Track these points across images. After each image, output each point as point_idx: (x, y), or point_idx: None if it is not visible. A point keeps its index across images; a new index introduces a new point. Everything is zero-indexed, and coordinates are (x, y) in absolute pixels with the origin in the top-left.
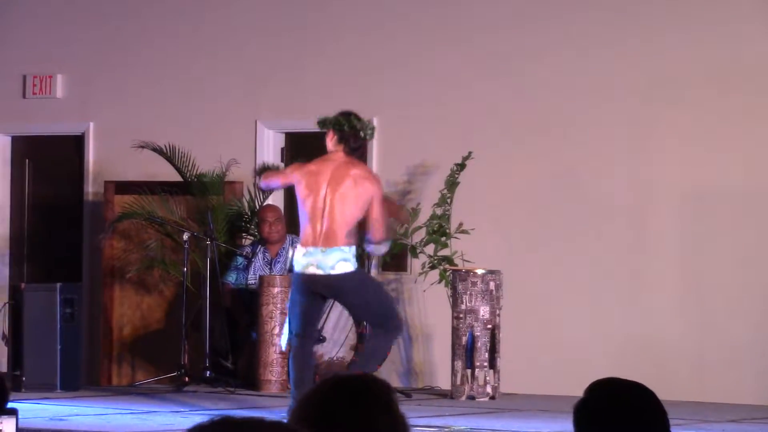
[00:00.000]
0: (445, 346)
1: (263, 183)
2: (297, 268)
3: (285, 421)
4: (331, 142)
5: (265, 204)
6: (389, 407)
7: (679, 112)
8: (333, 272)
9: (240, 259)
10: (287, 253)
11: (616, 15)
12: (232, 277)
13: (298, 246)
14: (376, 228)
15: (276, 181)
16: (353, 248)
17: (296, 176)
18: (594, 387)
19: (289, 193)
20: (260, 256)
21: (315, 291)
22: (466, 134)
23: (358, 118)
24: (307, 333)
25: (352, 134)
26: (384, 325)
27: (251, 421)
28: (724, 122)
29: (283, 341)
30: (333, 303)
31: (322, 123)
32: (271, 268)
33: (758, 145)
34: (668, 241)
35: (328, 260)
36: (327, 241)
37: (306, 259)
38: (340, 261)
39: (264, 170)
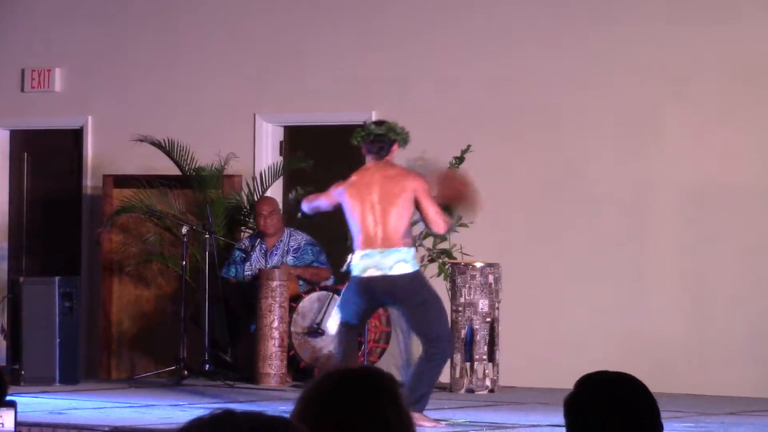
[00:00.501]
0: None
1: (306, 206)
2: (355, 271)
3: (285, 415)
4: (365, 153)
5: (261, 197)
6: (395, 400)
7: (680, 106)
8: (391, 273)
9: (237, 253)
10: (284, 246)
11: (617, 8)
12: (231, 271)
13: (356, 250)
14: (432, 221)
15: (320, 200)
16: (412, 250)
17: (339, 189)
18: (584, 380)
19: (291, 185)
20: (257, 249)
21: (373, 294)
22: (465, 127)
23: (379, 123)
24: (355, 325)
25: (373, 140)
26: (432, 342)
27: (251, 415)
28: (726, 117)
29: (332, 324)
30: (331, 297)
31: (352, 138)
32: (267, 261)
33: (759, 140)
34: (668, 236)
35: (386, 261)
36: (385, 242)
37: (364, 261)
38: (399, 262)
39: (300, 198)
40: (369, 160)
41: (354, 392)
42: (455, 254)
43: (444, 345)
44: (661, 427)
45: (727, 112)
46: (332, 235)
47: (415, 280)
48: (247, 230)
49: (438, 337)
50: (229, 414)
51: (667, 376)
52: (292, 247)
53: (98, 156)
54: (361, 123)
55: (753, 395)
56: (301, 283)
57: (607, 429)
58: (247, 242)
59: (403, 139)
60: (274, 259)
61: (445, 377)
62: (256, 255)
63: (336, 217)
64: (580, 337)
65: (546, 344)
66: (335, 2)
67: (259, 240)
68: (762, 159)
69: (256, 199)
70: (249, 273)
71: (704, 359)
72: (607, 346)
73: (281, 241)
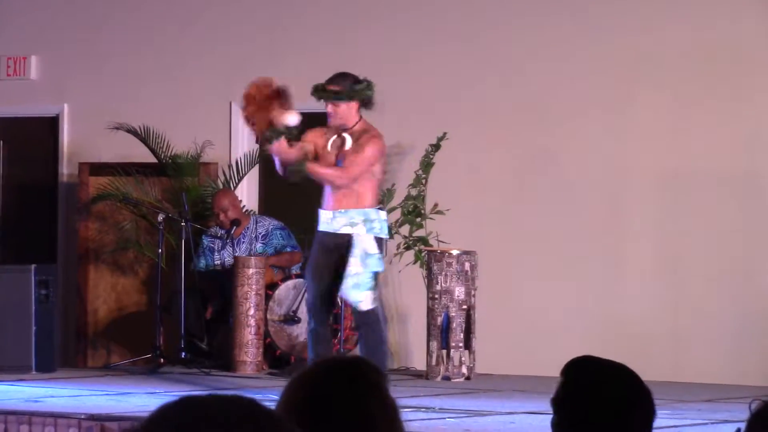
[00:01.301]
0: (421, 327)
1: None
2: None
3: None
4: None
5: (216, 191)
6: (380, 391)
7: (655, 93)
8: None
9: (206, 242)
10: (251, 233)
11: None
12: (201, 264)
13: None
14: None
15: None
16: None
17: None
18: (572, 368)
19: (267, 172)
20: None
21: None
22: (441, 115)
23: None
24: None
25: None
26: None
27: (213, 398)
28: (701, 104)
29: (367, 298)
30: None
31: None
32: (235, 249)
33: (734, 125)
34: (644, 222)
35: None
36: None
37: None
38: None
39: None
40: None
41: (340, 382)
42: (431, 242)
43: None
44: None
45: (703, 97)
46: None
47: None
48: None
49: None
50: (192, 399)
51: (645, 363)
52: (259, 233)
53: (74, 144)
54: None
55: (731, 382)
56: (276, 269)
57: (598, 418)
58: (221, 230)
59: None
60: (242, 247)
61: (421, 364)
62: (222, 243)
63: (311, 205)
64: (557, 325)
65: (522, 332)
66: None
67: (225, 230)
68: (738, 144)
69: (232, 187)
70: (219, 263)
71: (682, 346)
72: (584, 333)
73: (248, 228)
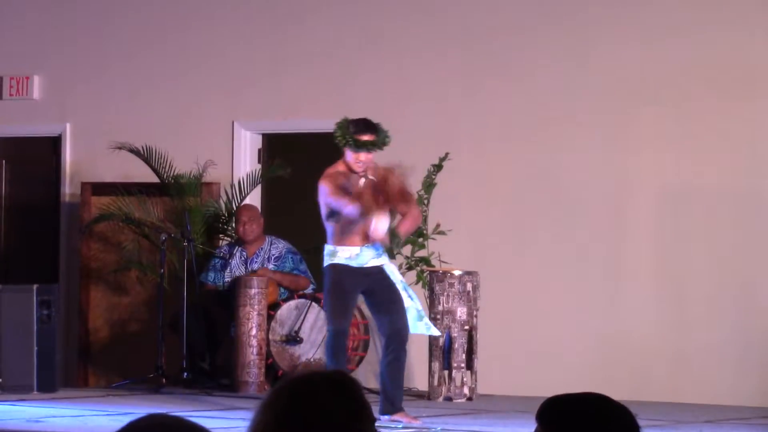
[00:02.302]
0: (422, 347)
1: None
2: None
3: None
4: None
5: (242, 204)
6: (358, 404)
7: (656, 111)
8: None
9: (216, 260)
10: (265, 254)
11: (593, 15)
12: (210, 277)
13: None
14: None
15: None
16: (328, 247)
17: None
18: (545, 413)
19: (270, 192)
20: (237, 255)
21: None
22: (443, 135)
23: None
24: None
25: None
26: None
27: (178, 419)
28: (702, 121)
29: (427, 327)
30: (309, 305)
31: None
32: (247, 268)
33: (735, 143)
34: (645, 242)
35: None
36: None
37: None
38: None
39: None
40: None
41: (316, 396)
42: (434, 262)
43: (329, 339)
44: None
45: (704, 114)
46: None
47: (323, 276)
48: (226, 238)
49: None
50: (156, 418)
51: (645, 384)
52: (273, 255)
53: (76, 163)
54: None
55: (731, 403)
56: (282, 290)
57: None
58: (226, 250)
59: (342, 136)
60: (254, 267)
61: (423, 385)
62: (236, 262)
63: (314, 226)
64: (559, 345)
65: (524, 352)
66: (312, 10)
67: (239, 248)
68: (738, 162)
69: (234, 207)
70: (228, 280)
71: (682, 366)
72: (585, 354)
73: (262, 248)
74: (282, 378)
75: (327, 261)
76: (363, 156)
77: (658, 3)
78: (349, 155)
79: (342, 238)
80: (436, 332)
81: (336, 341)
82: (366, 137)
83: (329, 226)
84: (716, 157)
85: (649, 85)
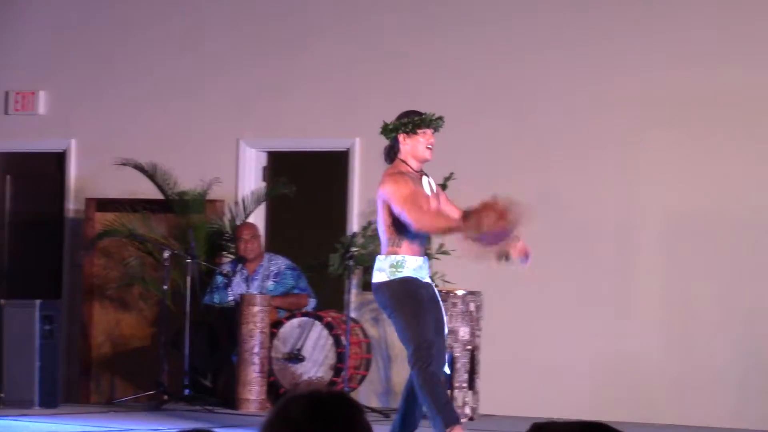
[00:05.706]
0: None
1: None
2: None
3: None
4: None
5: (243, 222)
6: (357, 425)
7: (666, 134)
8: (373, 281)
9: (220, 278)
10: (264, 271)
11: (604, 35)
12: (216, 299)
13: None
14: (407, 224)
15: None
16: (390, 258)
17: None
18: None
19: (272, 210)
20: (239, 273)
21: None
22: (448, 155)
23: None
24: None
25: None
26: (409, 355)
27: None
28: (711, 146)
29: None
30: (313, 323)
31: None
32: (248, 286)
33: (745, 170)
34: (651, 264)
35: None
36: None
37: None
38: (376, 271)
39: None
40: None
41: (317, 417)
42: (437, 281)
43: (415, 354)
44: None
45: (713, 141)
46: (312, 261)
47: (380, 291)
48: (229, 255)
49: (408, 347)
50: None
51: (650, 406)
52: (272, 271)
53: (81, 179)
54: (345, 149)
55: (736, 426)
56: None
57: None
58: (228, 267)
59: (395, 128)
60: (255, 284)
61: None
62: (237, 280)
63: (317, 244)
64: (562, 366)
65: (527, 373)
66: (318, 28)
67: (240, 265)
68: (747, 188)
69: (238, 225)
70: (232, 299)
71: (687, 389)
72: (588, 375)
73: (261, 265)
74: (283, 396)
75: (392, 273)
76: (430, 134)
77: (666, 30)
78: (414, 144)
79: (411, 247)
80: (447, 370)
81: (428, 356)
82: (426, 114)
83: (393, 233)
84: (724, 181)
85: (657, 109)
